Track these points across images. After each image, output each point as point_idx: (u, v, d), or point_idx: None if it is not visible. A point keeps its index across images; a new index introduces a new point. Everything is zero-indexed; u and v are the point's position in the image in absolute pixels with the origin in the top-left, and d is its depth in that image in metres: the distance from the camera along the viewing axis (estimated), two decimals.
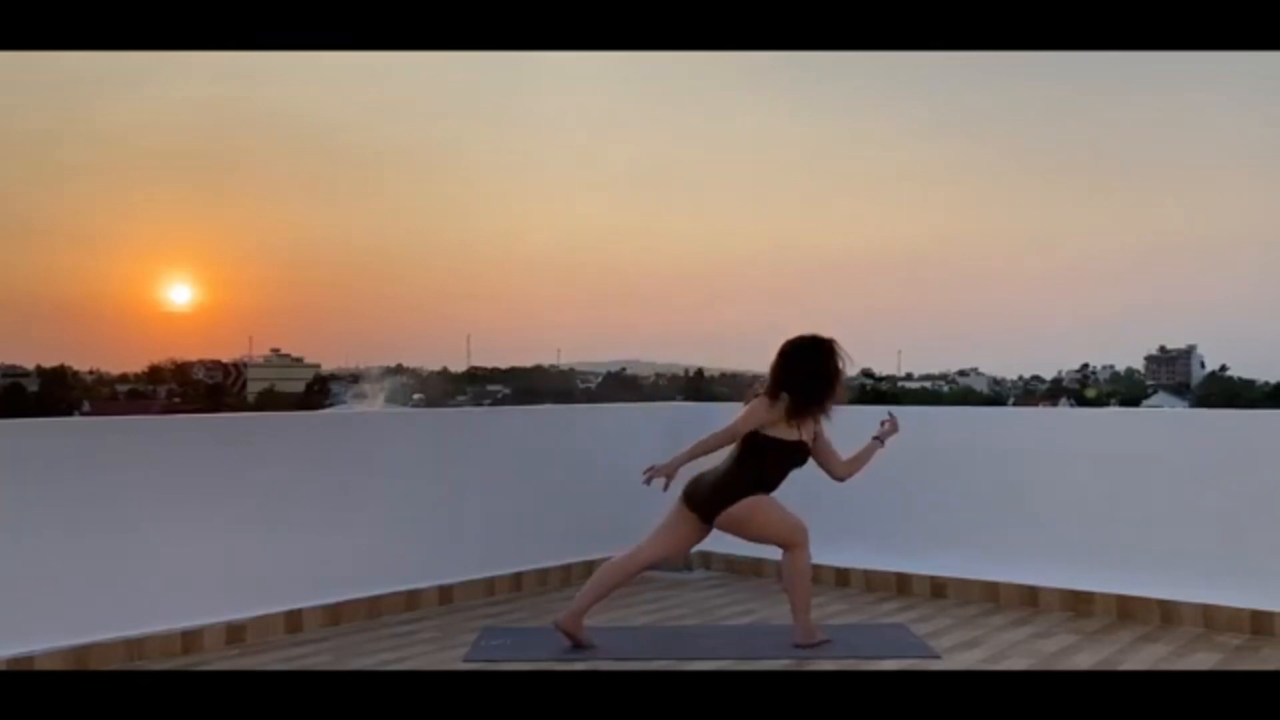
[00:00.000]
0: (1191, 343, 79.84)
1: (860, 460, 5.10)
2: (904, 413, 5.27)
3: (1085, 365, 75.15)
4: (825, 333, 5.04)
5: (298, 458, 5.49)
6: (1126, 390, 66.44)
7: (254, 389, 67.13)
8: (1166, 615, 5.26)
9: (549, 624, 5.16)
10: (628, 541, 5.02)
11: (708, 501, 4.91)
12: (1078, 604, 5.49)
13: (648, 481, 4.79)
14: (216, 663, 4.77)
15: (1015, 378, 74.64)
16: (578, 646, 4.86)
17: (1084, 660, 4.69)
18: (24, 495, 4.63)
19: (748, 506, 4.90)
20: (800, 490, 6.37)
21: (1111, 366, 78.37)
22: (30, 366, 66.01)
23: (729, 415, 7.25)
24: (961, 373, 78.31)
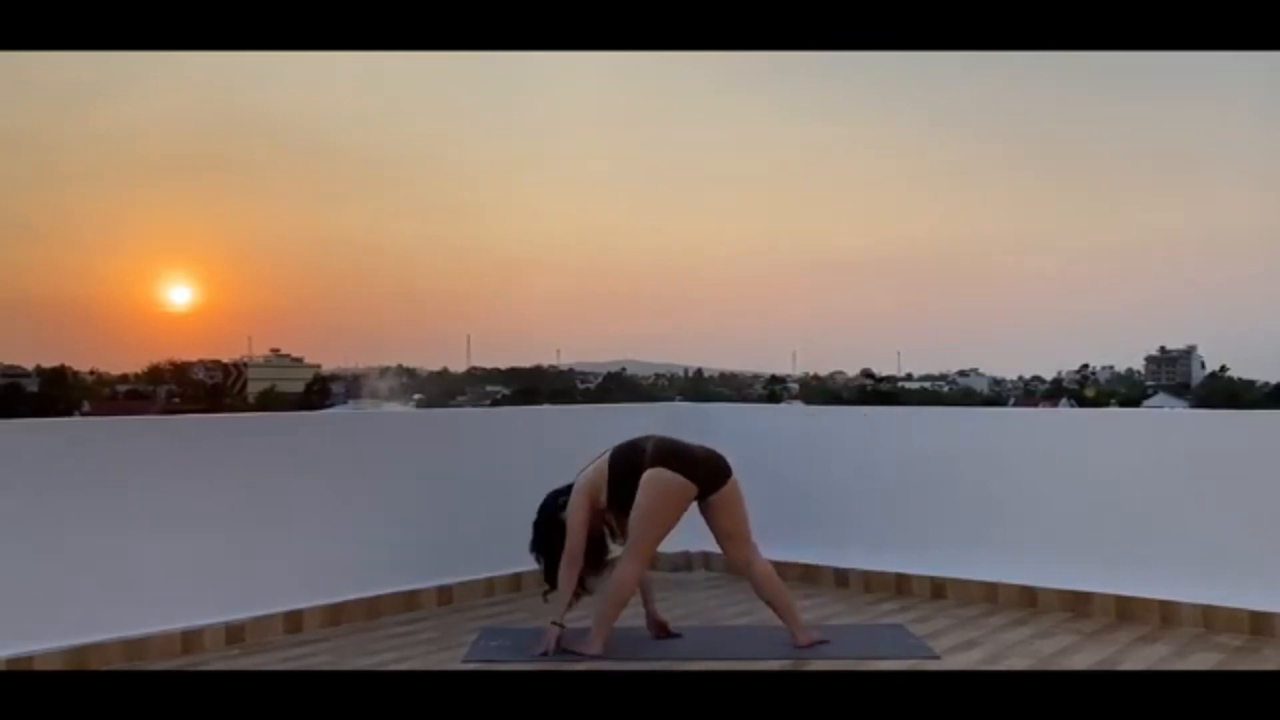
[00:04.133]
0: (1191, 343, 79.98)
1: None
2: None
3: (1085, 365, 75.30)
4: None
5: (297, 458, 5.49)
6: (1126, 391, 66.52)
7: (254, 389, 67.21)
8: (1166, 616, 5.26)
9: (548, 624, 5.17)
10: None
11: (725, 469, 4.96)
12: (1077, 604, 5.49)
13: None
14: (216, 663, 4.77)
15: (1015, 378, 74.79)
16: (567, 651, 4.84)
17: (1083, 661, 4.69)
18: (23, 495, 4.62)
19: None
20: (799, 491, 6.39)
21: (1111, 367, 78.51)
22: (30, 366, 66.07)
23: (728, 415, 7.26)
24: (961, 373, 78.43)
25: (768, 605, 4.97)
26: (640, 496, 4.81)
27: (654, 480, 4.81)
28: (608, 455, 4.96)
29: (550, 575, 4.94)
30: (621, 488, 4.86)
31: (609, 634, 4.82)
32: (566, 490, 4.98)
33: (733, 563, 5.08)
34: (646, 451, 4.90)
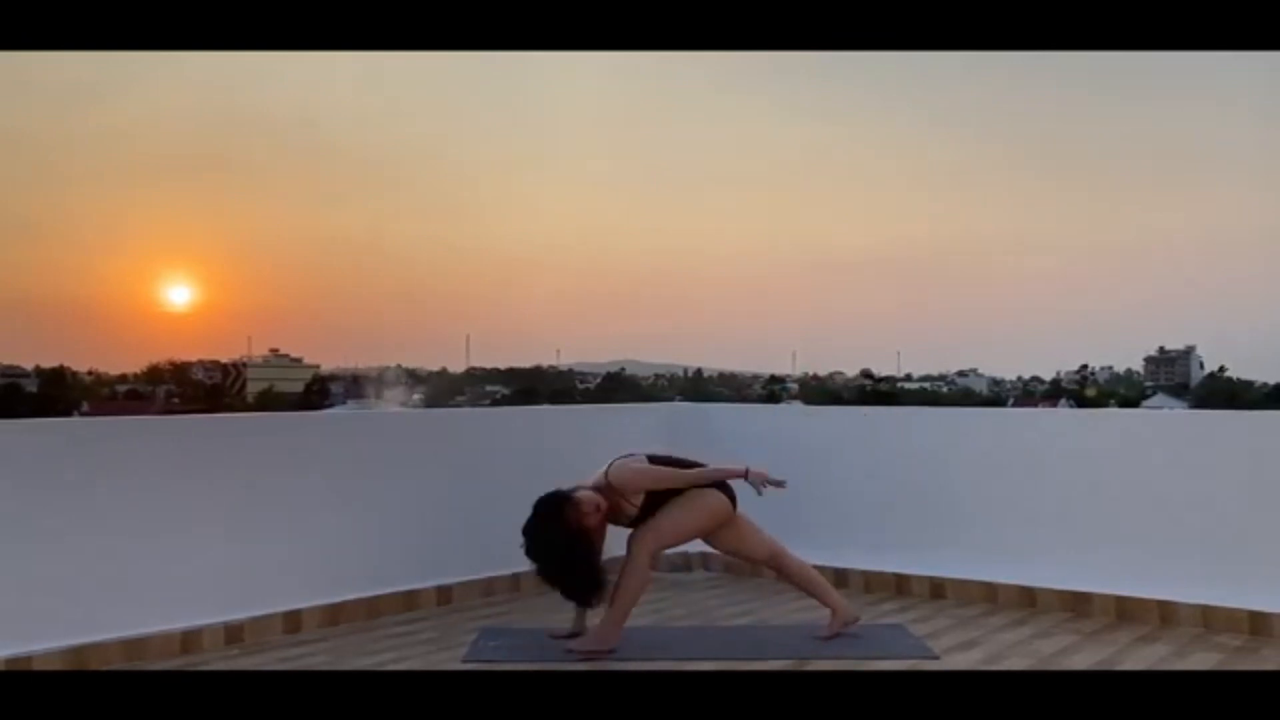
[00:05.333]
0: (1190, 344, 80.00)
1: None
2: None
3: (1084, 366, 75.28)
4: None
5: (296, 458, 5.49)
6: (1125, 391, 66.57)
7: (253, 389, 67.16)
8: (1165, 616, 5.26)
9: (548, 625, 5.18)
10: (623, 541, 4.98)
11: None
12: (1076, 604, 5.49)
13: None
14: (215, 663, 4.77)
15: (1014, 378, 74.81)
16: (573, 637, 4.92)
17: (1083, 661, 4.69)
18: (23, 495, 4.62)
19: None
20: (798, 491, 6.38)
21: (1110, 367, 78.53)
22: (29, 367, 66.08)
23: (727, 415, 7.26)
24: (961, 373, 78.43)
25: (805, 589, 5.10)
26: (684, 510, 4.88)
27: (708, 497, 4.92)
28: (644, 459, 4.97)
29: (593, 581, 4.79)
30: (653, 496, 4.90)
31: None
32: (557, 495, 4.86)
33: (765, 554, 5.07)
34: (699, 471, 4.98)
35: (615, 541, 4.98)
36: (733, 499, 4.98)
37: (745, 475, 4.93)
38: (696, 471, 4.94)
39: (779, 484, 4.96)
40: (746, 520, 5.05)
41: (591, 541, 4.80)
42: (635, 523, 4.91)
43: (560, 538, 4.70)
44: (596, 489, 4.84)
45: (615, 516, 4.91)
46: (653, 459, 4.97)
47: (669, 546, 5.02)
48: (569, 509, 4.73)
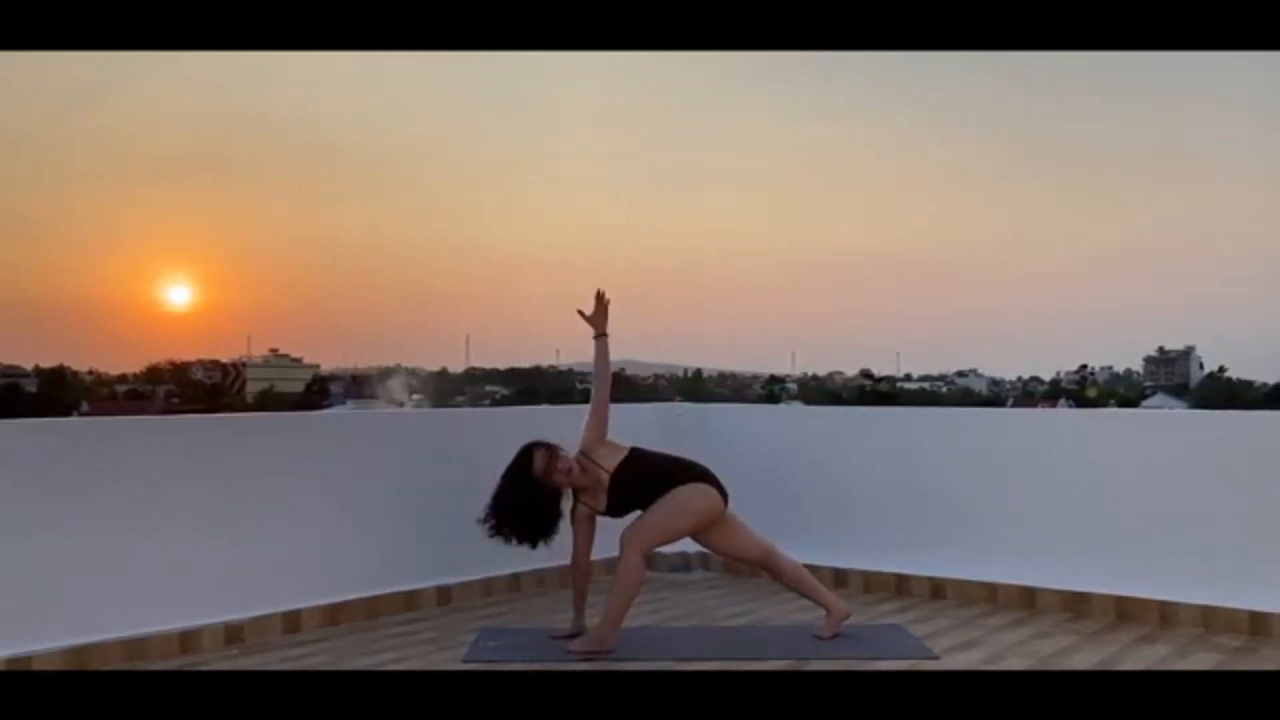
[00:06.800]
0: (1190, 344, 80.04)
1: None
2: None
3: (1084, 366, 75.32)
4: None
5: (296, 458, 5.49)
6: (1125, 391, 66.57)
7: (253, 389, 67.18)
8: (1165, 616, 5.26)
9: (548, 625, 5.18)
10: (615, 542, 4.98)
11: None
12: (1076, 605, 5.49)
13: None
14: (215, 663, 4.77)
15: (1014, 379, 74.86)
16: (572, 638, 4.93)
17: (1082, 661, 4.69)
18: (23, 495, 4.62)
19: None
20: (798, 492, 6.39)
21: (1110, 368, 78.58)
22: (29, 367, 66.12)
23: (727, 415, 7.26)
24: (960, 374, 78.48)
25: (797, 589, 5.09)
26: (675, 507, 4.88)
27: (699, 495, 4.90)
28: (628, 449, 5.01)
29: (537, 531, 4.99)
30: (640, 489, 4.92)
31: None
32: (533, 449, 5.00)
33: (759, 553, 5.05)
34: (689, 467, 4.99)
35: (608, 541, 4.98)
36: (724, 497, 4.97)
37: (600, 337, 5.24)
38: (599, 385, 5.14)
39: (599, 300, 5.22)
40: (738, 519, 5.03)
41: (541, 486, 4.94)
42: (616, 512, 4.93)
43: (514, 472, 5.00)
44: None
45: (593, 491, 4.97)
46: (635, 450, 4.99)
47: (660, 544, 5.01)
48: (538, 452, 5.00)
